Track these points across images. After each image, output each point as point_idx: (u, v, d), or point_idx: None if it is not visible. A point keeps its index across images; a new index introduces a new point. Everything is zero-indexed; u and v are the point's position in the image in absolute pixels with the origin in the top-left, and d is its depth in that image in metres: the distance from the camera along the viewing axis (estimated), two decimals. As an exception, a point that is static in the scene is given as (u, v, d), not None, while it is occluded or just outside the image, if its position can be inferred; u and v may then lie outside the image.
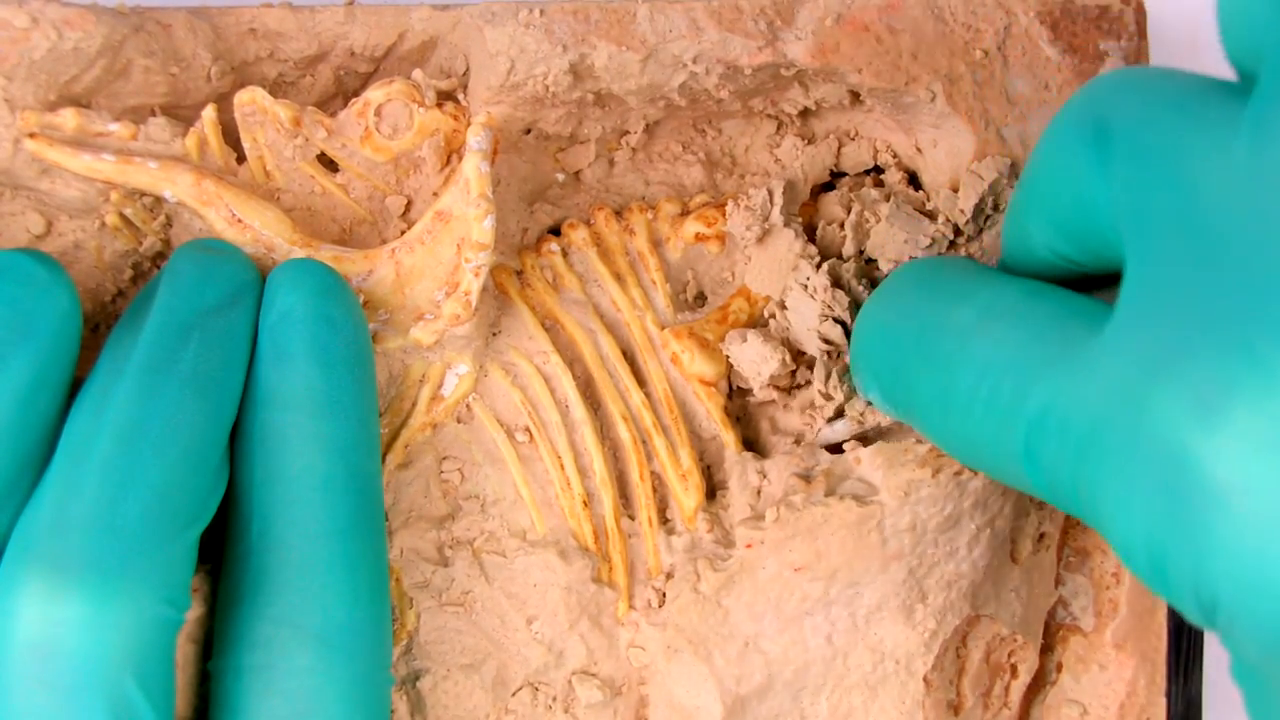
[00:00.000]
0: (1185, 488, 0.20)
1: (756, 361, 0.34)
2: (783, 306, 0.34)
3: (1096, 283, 0.27)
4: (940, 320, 0.27)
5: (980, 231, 0.34)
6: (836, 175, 0.37)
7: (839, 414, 0.34)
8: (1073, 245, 0.25)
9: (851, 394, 0.33)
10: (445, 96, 0.33)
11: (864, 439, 0.34)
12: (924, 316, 0.27)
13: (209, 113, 0.32)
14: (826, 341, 0.33)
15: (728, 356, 0.34)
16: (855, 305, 0.33)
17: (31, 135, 0.31)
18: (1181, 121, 0.22)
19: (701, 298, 0.36)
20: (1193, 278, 0.20)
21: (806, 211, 0.36)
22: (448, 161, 0.33)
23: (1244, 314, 0.19)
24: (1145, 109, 0.23)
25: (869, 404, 0.33)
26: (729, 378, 0.35)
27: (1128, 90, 0.23)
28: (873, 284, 0.34)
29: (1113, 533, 0.22)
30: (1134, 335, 0.21)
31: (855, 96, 0.34)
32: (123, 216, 0.32)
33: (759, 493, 0.34)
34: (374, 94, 0.32)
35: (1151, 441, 0.20)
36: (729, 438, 0.34)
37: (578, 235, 0.35)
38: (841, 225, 0.35)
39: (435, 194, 0.33)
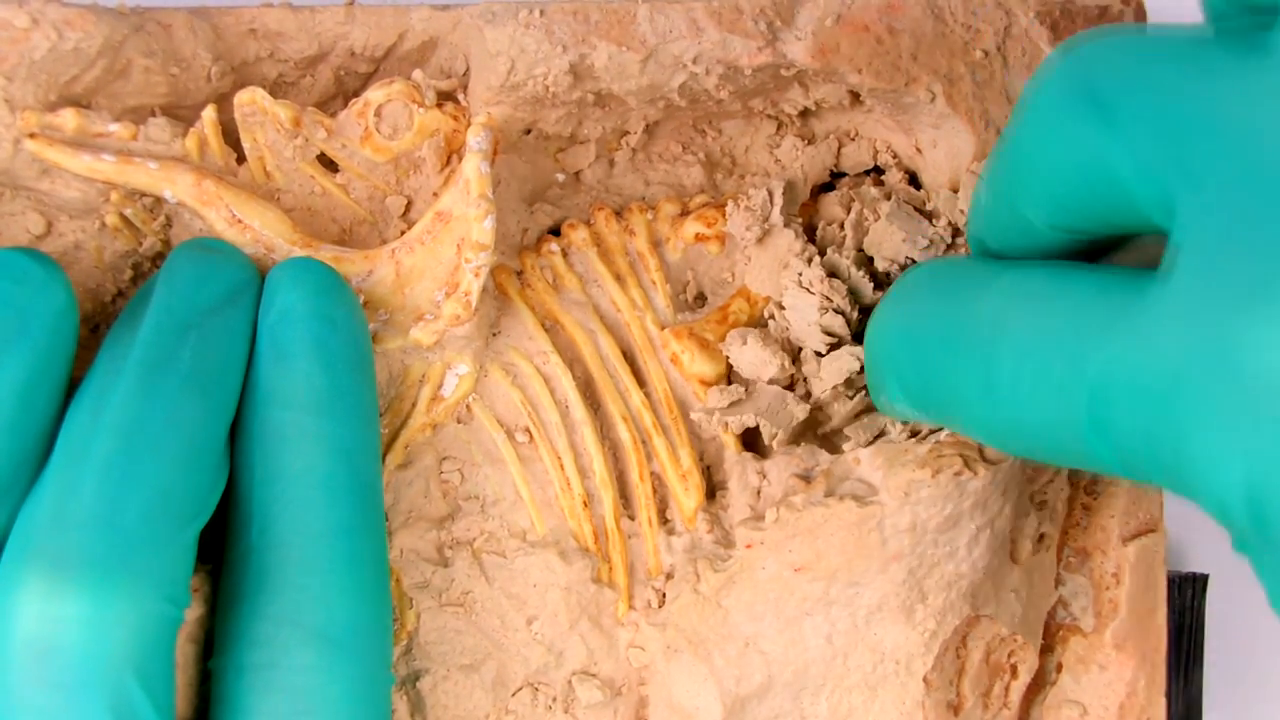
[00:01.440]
0: None
1: (756, 365, 0.34)
2: (781, 307, 0.34)
3: (1097, 253, 0.26)
4: (964, 313, 0.26)
5: (980, 232, 0.34)
6: (836, 175, 0.37)
7: (878, 436, 0.33)
8: (1080, 216, 0.24)
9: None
10: (445, 97, 0.33)
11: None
12: (945, 313, 0.27)
13: (209, 113, 0.32)
14: (828, 333, 0.33)
15: (727, 357, 0.34)
16: (854, 293, 0.33)
17: (32, 135, 0.31)
18: (1183, 70, 0.21)
19: (701, 298, 0.36)
20: (1258, 212, 0.20)
21: (806, 212, 0.36)
22: (448, 162, 0.33)
23: None
24: (1140, 68, 0.22)
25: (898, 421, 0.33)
26: (729, 377, 0.35)
27: (1111, 54, 0.23)
28: (871, 275, 0.34)
29: (1205, 486, 0.20)
30: (1204, 280, 0.20)
31: (855, 97, 0.34)
32: (123, 217, 0.32)
33: (759, 493, 0.34)
34: (374, 94, 0.32)
35: (1246, 378, 0.19)
36: (729, 438, 0.34)
37: (578, 235, 0.35)
38: (841, 225, 0.35)
39: (435, 194, 0.33)
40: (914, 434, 0.33)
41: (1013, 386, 0.24)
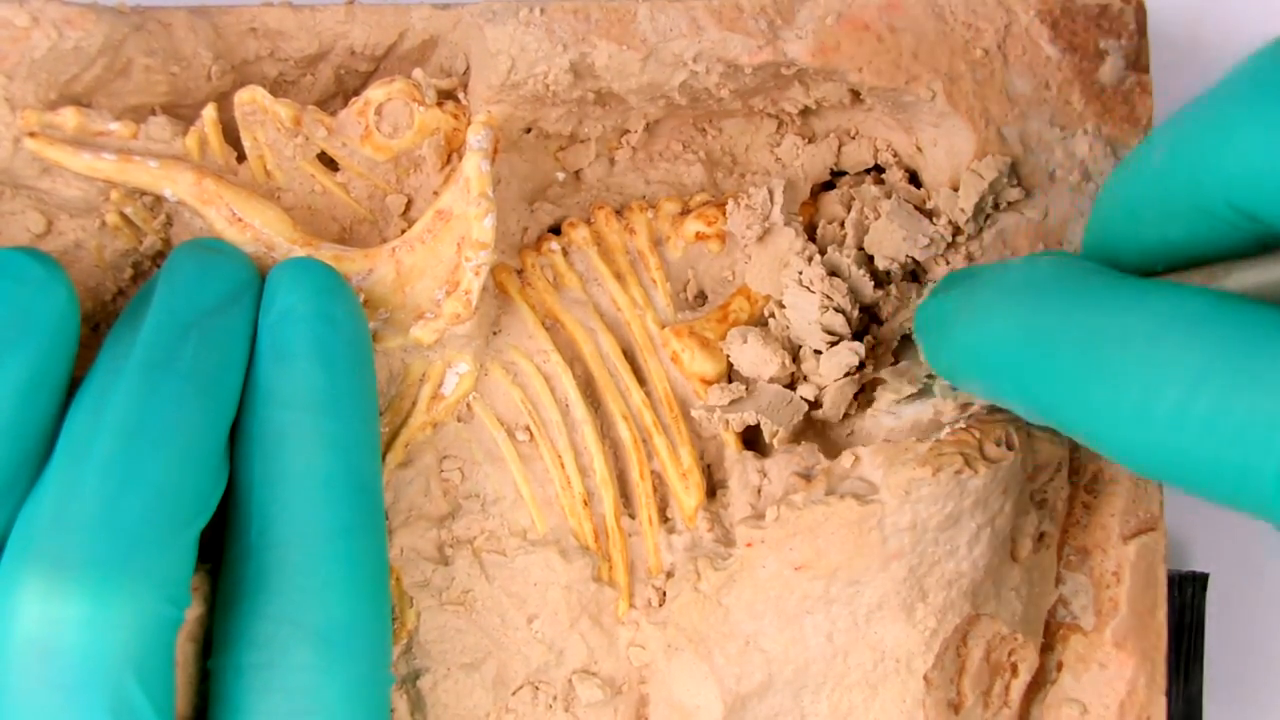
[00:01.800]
0: None
1: (757, 363, 0.34)
2: (781, 306, 0.34)
3: (1236, 256, 0.25)
4: (1111, 327, 0.24)
5: (980, 230, 0.34)
6: (837, 174, 0.37)
7: (922, 393, 0.33)
8: (1266, 199, 0.23)
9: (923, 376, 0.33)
10: (446, 95, 0.33)
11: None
12: (1084, 323, 0.25)
13: (209, 112, 0.32)
14: (829, 332, 0.33)
15: (728, 355, 0.34)
16: (854, 292, 0.33)
17: (32, 134, 0.31)
18: None
19: (702, 296, 0.36)
20: None
21: (807, 210, 0.36)
22: (448, 160, 0.33)
23: None
24: None
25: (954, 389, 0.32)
26: (729, 376, 0.35)
27: None
28: (872, 274, 0.34)
29: None
30: None
31: (856, 95, 0.34)
32: (123, 215, 0.32)
33: (759, 491, 0.34)
34: (374, 93, 0.32)
35: None
36: (729, 436, 0.34)
37: (578, 234, 0.35)
38: (842, 224, 0.35)
39: (436, 193, 0.33)
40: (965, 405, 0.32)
41: (1177, 418, 0.23)
